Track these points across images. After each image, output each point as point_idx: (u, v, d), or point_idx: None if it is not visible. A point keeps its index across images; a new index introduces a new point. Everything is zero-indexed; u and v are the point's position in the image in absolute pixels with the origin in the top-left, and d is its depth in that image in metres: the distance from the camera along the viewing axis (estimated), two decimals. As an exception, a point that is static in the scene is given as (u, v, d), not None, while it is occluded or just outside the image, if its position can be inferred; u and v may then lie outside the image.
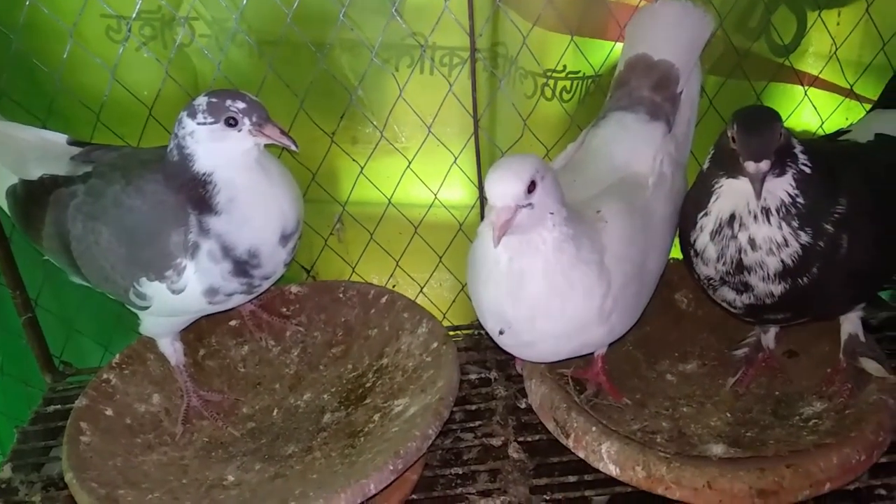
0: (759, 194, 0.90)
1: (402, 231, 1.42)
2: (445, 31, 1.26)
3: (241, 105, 0.98)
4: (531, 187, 0.91)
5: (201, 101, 1.00)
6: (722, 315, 1.17)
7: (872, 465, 1.01)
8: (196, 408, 1.15)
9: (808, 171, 0.94)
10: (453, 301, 1.48)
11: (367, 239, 1.42)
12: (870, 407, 1.03)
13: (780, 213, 0.94)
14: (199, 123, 0.99)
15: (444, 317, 1.48)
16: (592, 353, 1.12)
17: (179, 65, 1.34)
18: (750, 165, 0.89)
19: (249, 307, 1.26)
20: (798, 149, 0.95)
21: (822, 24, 1.33)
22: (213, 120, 0.99)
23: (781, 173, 0.93)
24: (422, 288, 1.47)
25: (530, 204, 0.91)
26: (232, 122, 0.99)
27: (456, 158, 1.35)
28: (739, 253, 0.97)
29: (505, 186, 0.90)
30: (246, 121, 0.99)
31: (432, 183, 1.38)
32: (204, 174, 1.00)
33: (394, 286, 1.49)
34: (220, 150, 1.00)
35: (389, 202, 1.39)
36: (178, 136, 1.01)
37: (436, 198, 1.39)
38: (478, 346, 1.35)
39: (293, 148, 1.03)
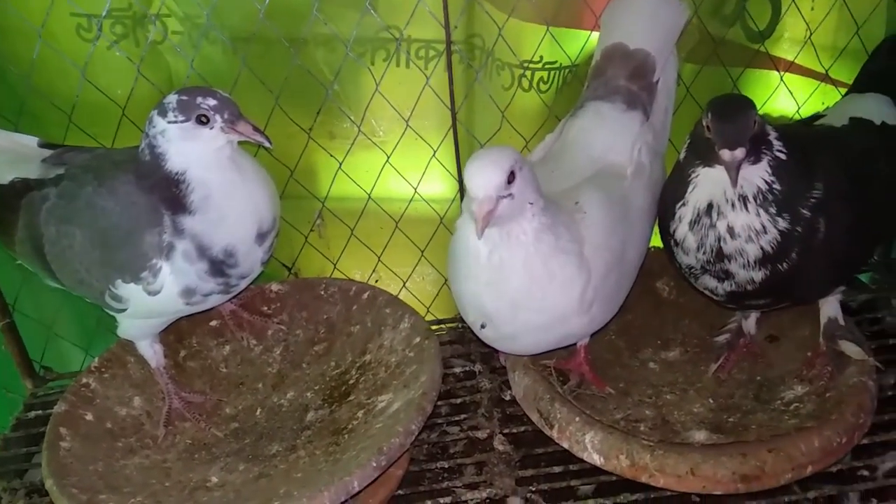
0: (735, 182, 0.91)
1: (383, 226, 1.41)
2: (420, 23, 1.25)
3: (212, 102, 0.97)
4: (511, 178, 0.91)
5: (171, 99, 0.98)
6: (703, 302, 1.18)
7: (854, 446, 1.02)
8: (178, 410, 1.14)
9: (783, 157, 0.95)
10: (437, 295, 1.48)
11: (348, 234, 1.41)
12: (850, 389, 1.04)
13: (758, 200, 0.95)
14: (169, 122, 0.98)
15: (428, 311, 1.47)
16: (575, 344, 1.12)
17: (153, 63, 1.32)
18: (725, 154, 0.90)
19: (230, 307, 1.25)
20: (773, 135, 0.95)
21: (796, 9, 1.33)
22: (184, 118, 0.97)
23: (757, 160, 0.94)
24: (404, 282, 1.47)
25: (511, 194, 0.91)
26: (203, 120, 0.97)
27: (435, 152, 1.34)
28: (719, 241, 0.97)
29: (486, 177, 0.90)
30: (217, 118, 0.98)
31: (412, 177, 1.37)
32: (176, 173, 0.99)
33: (376, 281, 1.48)
34: (193, 148, 0.98)
35: (369, 197, 1.38)
36: (150, 135, 0.99)
37: (416, 192, 1.38)
38: (462, 339, 1.35)
39: (266, 144, 1.02)
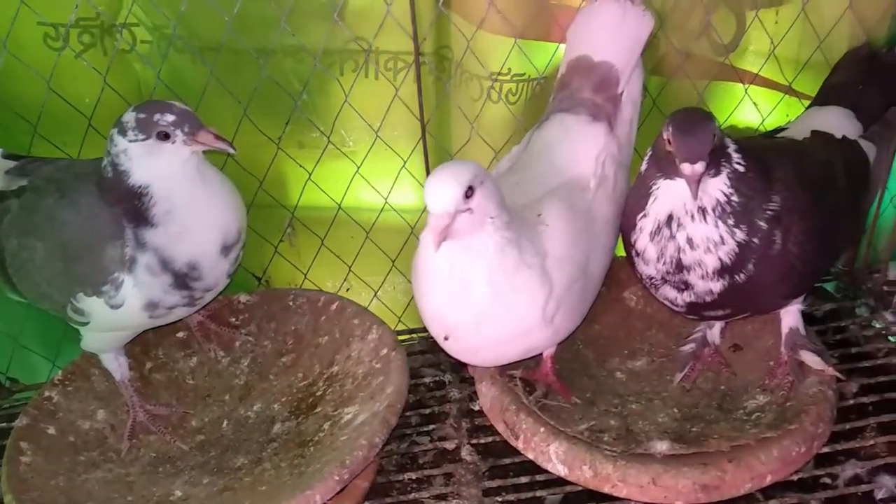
0: (695, 195, 0.92)
1: (354, 235, 1.41)
2: (389, 35, 1.25)
3: (170, 118, 0.97)
4: (469, 192, 0.91)
5: (129, 117, 0.98)
6: (670, 312, 1.19)
7: (815, 455, 1.03)
8: (143, 422, 1.13)
9: (741, 169, 0.96)
10: (408, 304, 1.48)
11: (319, 244, 1.41)
12: (810, 399, 1.05)
13: (716, 212, 0.96)
14: (130, 141, 0.98)
15: (399, 320, 1.47)
16: (542, 354, 1.13)
17: (121, 72, 1.32)
18: (686, 167, 0.91)
19: (197, 318, 1.24)
20: (732, 147, 0.97)
21: (760, 23, 1.35)
22: (144, 136, 0.97)
23: (717, 173, 0.95)
24: (376, 292, 1.47)
25: (469, 209, 0.91)
26: (164, 136, 0.97)
27: (405, 162, 1.35)
28: (678, 252, 0.98)
29: (443, 192, 0.90)
30: (178, 133, 0.97)
31: (382, 187, 1.37)
32: (140, 188, 0.98)
33: (347, 290, 1.48)
34: (156, 163, 0.98)
35: (339, 207, 1.38)
36: (111, 153, 0.99)
37: (386, 202, 1.38)
38: (432, 348, 1.34)
39: (230, 151, 1.01)
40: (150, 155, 0.98)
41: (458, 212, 0.90)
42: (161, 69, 1.26)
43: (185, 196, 1.00)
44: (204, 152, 1.02)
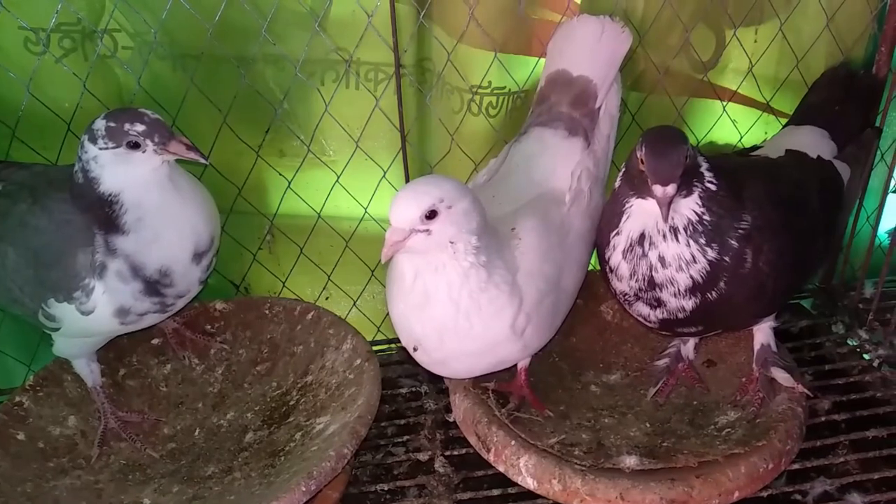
0: (665, 217, 0.93)
1: (333, 244, 1.41)
2: (370, 46, 1.25)
3: (140, 128, 0.97)
4: (430, 215, 0.91)
5: (100, 125, 0.98)
6: (645, 327, 1.20)
7: (786, 471, 1.04)
8: (114, 429, 1.13)
9: (713, 188, 0.97)
10: (387, 314, 1.47)
11: (298, 252, 1.41)
12: (779, 416, 1.06)
13: (688, 231, 0.97)
14: (101, 148, 0.97)
15: (378, 330, 1.47)
16: (516, 366, 1.13)
17: (102, 76, 1.31)
18: (657, 189, 0.92)
19: (172, 325, 1.24)
20: (704, 166, 0.97)
21: (738, 41, 1.37)
22: (114, 144, 0.97)
23: (689, 193, 0.96)
24: (355, 302, 1.47)
25: (427, 230, 0.92)
26: (134, 146, 0.97)
27: (385, 173, 1.35)
28: (650, 270, 0.99)
29: (401, 209, 0.91)
30: (148, 142, 0.97)
31: (362, 196, 1.37)
32: (110, 195, 0.98)
33: (327, 299, 1.48)
34: (126, 171, 0.98)
35: (319, 216, 1.38)
36: (82, 159, 0.99)
37: (366, 211, 1.38)
38: (411, 359, 1.32)
39: (202, 161, 1.01)
40: (120, 163, 0.98)
41: (413, 230, 0.91)
42: (142, 75, 1.26)
43: (157, 203, 1.00)
44: (179, 160, 1.02)
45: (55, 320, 1.03)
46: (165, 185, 1.01)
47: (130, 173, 0.98)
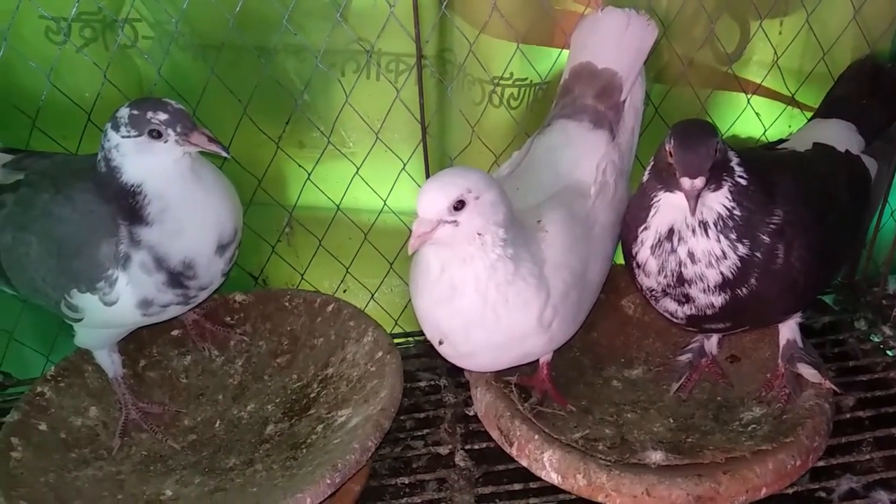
0: (693, 210, 0.91)
1: (352, 236, 1.41)
2: (391, 36, 1.24)
3: (162, 117, 0.96)
4: (458, 205, 0.90)
5: (123, 112, 0.97)
6: (668, 321, 1.18)
7: (811, 468, 1.03)
8: (135, 420, 1.13)
9: (743, 182, 0.96)
10: (405, 307, 1.47)
11: (317, 244, 1.40)
12: (806, 412, 1.05)
13: (718, 227, 0.95)
14: (123, 137, 0.97)
15: (396, 323, 1.47)
16: (538, 360, 1.12)
17: (123, 66, 1.31)
18: (685, 182, 0.90)
19: (192, 316, 1.24)
20: (734, 161, 0.96)
21: (764, 33, 1.35)
22: (136, 133, 0.96)
23: (718, 187, 0.94)
24: (373, 294, 1.46)
25: (455, 221, 0.91)
26: (156, 135, 0.96)
27: (405, 164, 1.34)
28: (679, 266, 0.98)
29: (429, 200, 0.90)
30: (170, 132, 0.96)
31: (381, 188, 1.36)
32: (132, 185, 0.98)
33: (344, 291, 1.47)
34: (148, 161, 0.97)
35: (338, 208, 1.38)
36: (105, 148, 0.98)
37: (385, 204, 1.38)
38: (429, 352, 1.33)
39: (223, 154, 1.00)
40: (142, 152, 0.97)
41: (441, 222, 0.90)
42: (162, 66, 1.25)
43: (180, 195, 0.99)
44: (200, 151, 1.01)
45: (77, 311, 1.03)
46: (188, 176, 1.00)
47: (152, 163, 0.97)
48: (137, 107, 0.97)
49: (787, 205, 0.98)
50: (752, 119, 1.42)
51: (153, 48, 1.29)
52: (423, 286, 0.99)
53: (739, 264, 0.96)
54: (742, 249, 0.96)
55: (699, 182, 0.90)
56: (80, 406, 1.13)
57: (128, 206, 0.98)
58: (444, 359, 1.24)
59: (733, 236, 0.95)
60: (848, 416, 1.16)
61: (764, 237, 0.96)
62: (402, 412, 1.22)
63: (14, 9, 1.18)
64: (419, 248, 0.93)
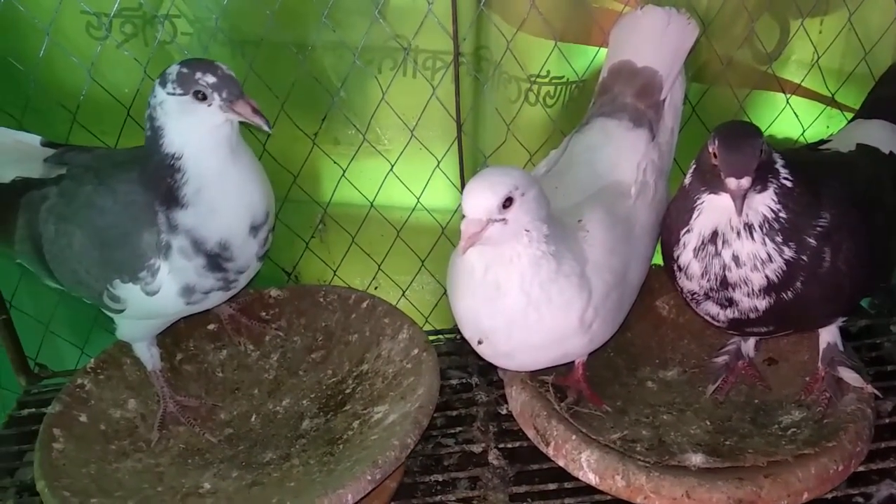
0: (740, 211, 0.90)
1: (385, 233, 1.41)
2: (429, 34, 1.24)
3: (210, 80, 0.94)
4: (507, 203, 0.90)
5: (173, 69, 0.96)
6: (703, 322, 1.16)
7: (850, 474, 1.02)
8: (173, 413, 1.14)
9: (789, 185, 0.94)
10: (435, 305, 1.47)
11: (350, 241, 1.41)
12: (848, 416, 1.03)
13: (763, 229, 0.94)
14: (168, 93, 0.95)
15: (427, 321, 1.47)
16: (573, 361, 1.12)
17: (162, 62, 1.30)
18: (731, 182, 0.89)
19: (228, 311, 1.25)
20: (779, 163, 0.95)
21: (804, 32, 1.33)
22: (181, 91, 0.95)
23: (763, 189, 0.93)
24: (404, 291, 1.46)
25: (504, 219, 0.91)
26: (201, 97, 0.95)
27: (439, 162, 1.34)
28: (723, 270, 0.97)
29: (478, 199, 0.90)
30: (216, 96, 0.95)
31: (415, 186, 1.37)
32: (173, 155, 0.97)
33: (376, 289, 1.48)
34: (189, 124, 0.96)
35: (371, 205, 1.38)
36: (151, 105, 0.97)
37: (418, 201, 1.38)
38: (460, 350, 1.34)
39: (265, 128, 0.98)
40: (185, 112, 0.95)
41: (490, 220, 0.90)
42: (200, 61, 1.26)
43: (216, 172, 0.98)
44: (241, 130, 1.00)
45: (120, 301, 1.04)
46: (225, 150, 0.99)
47: (193, 128, 0.96)
48: (188, 66, 0.96)
49: (833, 207, 0.97)
50: (791, 119, 1.41)
51: (192, 44, 1.30)
52: (466, 287, 0.99)
53: (785, 268, 0.95)
54: (788, 252, 0.94)
55: (745, 182, 0.89)
56: (119, 398, 1.14)
57: (165, 186, 0.97)
58: (475, 357, 1.25)
59: (779, 239, 0.94)
60: (886, 420, 1.14)
61: (810, 240, 0.95)
62: (434, 409, 1.22)
63: (57, 4, 1.19)
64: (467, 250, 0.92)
